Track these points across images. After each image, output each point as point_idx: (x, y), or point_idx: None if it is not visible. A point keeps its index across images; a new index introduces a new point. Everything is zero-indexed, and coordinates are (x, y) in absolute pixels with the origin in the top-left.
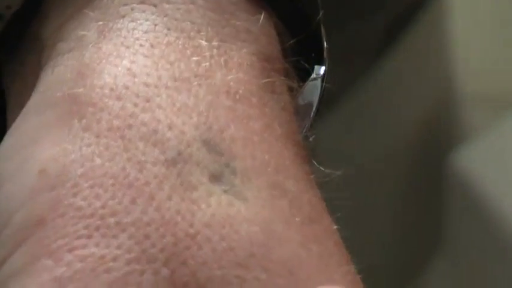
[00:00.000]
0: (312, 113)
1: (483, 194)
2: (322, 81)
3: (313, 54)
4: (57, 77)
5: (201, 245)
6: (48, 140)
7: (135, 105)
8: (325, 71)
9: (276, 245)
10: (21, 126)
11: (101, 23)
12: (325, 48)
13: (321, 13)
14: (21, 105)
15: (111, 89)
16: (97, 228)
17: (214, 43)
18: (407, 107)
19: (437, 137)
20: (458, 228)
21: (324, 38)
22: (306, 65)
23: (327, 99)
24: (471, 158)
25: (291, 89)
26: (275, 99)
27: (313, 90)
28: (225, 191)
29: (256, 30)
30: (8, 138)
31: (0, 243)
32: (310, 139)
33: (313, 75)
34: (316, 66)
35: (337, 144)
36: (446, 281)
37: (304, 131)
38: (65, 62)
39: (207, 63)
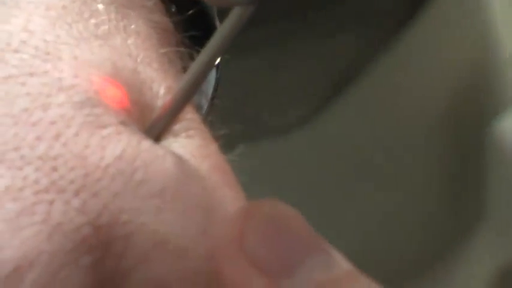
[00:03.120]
0: (208, 102)
1: None
2: (217, 70)
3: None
4: None
5: (113, 176)
6: None
7: (35, 56)
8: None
9: (188, 180)
10: None
11: None
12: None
13: None
14: None
15: (7, 44)
16: (0, 162)
17: (112, 8)
18: (442, 72)
19: (477, 104)
20: (501, 197)
21: (217, 18)
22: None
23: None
24: None
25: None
26: (173, 67)
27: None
28: (134, 133)
29: (150, 5)
30: None
31: None
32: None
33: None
34: None
35: (369, 112)
36: (491, 249)
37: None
38: None
39: (106, 27)
